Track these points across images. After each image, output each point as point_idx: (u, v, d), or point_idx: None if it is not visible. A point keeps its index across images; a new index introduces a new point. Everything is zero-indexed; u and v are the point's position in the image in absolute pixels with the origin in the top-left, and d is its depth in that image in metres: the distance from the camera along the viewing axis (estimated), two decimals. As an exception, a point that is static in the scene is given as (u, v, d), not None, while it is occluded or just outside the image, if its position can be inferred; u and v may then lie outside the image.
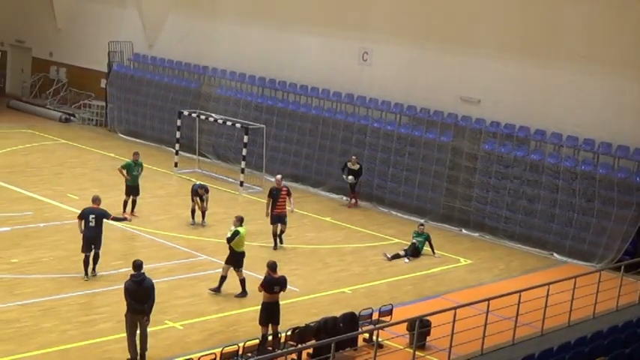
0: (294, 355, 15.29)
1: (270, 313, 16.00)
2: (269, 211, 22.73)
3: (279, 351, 14.98)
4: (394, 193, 28.19)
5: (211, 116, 30.42)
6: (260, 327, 15.97)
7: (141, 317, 15.08)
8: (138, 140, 34.44)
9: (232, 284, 18.89)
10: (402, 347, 16.33)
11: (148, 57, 36.35)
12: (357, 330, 16.18)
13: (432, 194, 27.46)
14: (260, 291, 16.17)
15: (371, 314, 17.05)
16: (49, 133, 34.55)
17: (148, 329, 15.32)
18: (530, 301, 16.66)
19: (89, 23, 38.74)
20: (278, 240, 22.65)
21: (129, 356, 15.14)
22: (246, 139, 28.69)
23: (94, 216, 18.95)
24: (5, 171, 27.91)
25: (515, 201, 25.79)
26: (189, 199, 24.16)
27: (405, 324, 16.25)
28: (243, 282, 18.85)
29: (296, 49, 31.98)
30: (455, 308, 15.37)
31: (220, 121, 30.18)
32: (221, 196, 27.17)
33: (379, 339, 15.54)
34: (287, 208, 22.91)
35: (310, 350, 15.25)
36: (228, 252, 18.85)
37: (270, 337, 15.92)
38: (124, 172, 23.99)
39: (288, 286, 16.56)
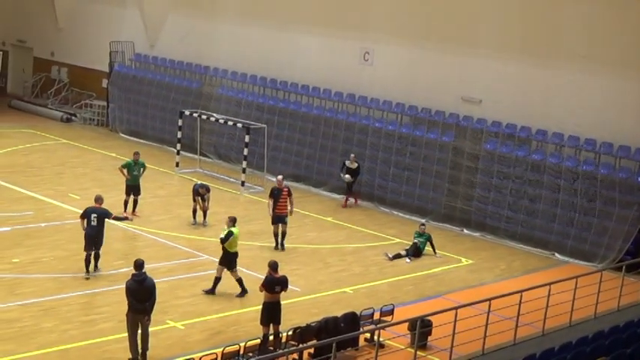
0: (295, 355, 15.29)
1: (271, 313, 16.00)
2: (271, 210, 22.69)
3: (281, 351, 14.98)
4: (395, 193, 28.19)
5: (213, 116, 30.44)
6: (261, 327, 15.97)
7: (142, 317, 15.08)
8: (139, 140, 34.46)
9: (229, 284, 18.88)
10: (403, 347, 16.32)
11: (150, 57, 36.37)
12: (359, 330, 16.17)
13: (433, 194, 27.46)
14: (261, 291, 16.17)
15: (372, 314, 17.04)
16: (51, 133, 34.57)
17: (149, 329, 15.32)
18: (532, 301, 16.65)
19: (90, 23, 38.77)
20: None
21: (130, 356, 15.14)
22: (247, 138, 28.71)
23: (95, 215, 19.06)
24: (6, 171, 27.93)
25: (517, 201, 25.78)
26: (190, 199, 24.16)
27: (407, 324, 16.24)
28: (240, 281, 18.83)
29: (297, 49, 31.99)
30: (456, 308, 15.36)
31: (222, 121, 30.19)
32: (222, 196, 27.18)
33: (380, 339, 15.52)
34: (287, 208, 22.89)
35: (311, 350, 15.23)
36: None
37: (271, 337, 15.91)
38: (125, 171, 24.02)
39: (289, 286, 16.55)
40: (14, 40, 42.11)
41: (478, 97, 27.57)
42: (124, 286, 15.29)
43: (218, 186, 28.03)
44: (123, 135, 35.50)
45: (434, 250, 23.51)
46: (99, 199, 19.50)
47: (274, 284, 16.08)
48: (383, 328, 15.75)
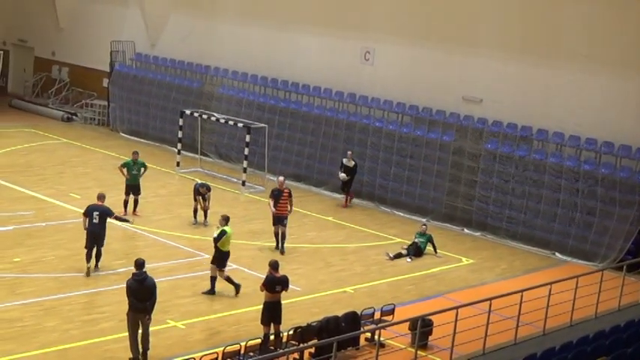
0: (295, 355, 15.29)
1: (271, 313, 16.00)
2: (273, 209, 22.58)
3: (281, 350, 14.99)
4: (396, 193, 28.18)
5: (213, 115, 30.43)
6: (262, 326, 15.98)
7: (143, 316, 15.09)
8: (140, 140, 34.45)
9: (227, 285, 18.89)
10: (403, 347, 16.33)
11: (150, 56, 36.37)
12: (359, 329, 16.19)
13: (434, 194, 27.46)
14: (262, 290, 16.17)
15: (373, 314, 17.06)
16: (51, 133, 34.57)
17: (150, 328, 15.33)
18: (532, 301, 16.65)
19: (91, 23, 38.76)
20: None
21: (131, 355, 15.15)
22: (248, 138, 28.72)
23: (97, 213, 19.16)
24: (7, 170, 27.94)
25: (518, 200, 25.77)
26: (191, 199, 24.16)
27: (407, 323, 16.25)
28: (229, 279, 18.81)
29: (298, 49, 31.99)
30: (457, 308, 15.35)
31: (222, 121, 30.18)
32: (223, 196, 27.18)
33: (381, 338, 15.54)
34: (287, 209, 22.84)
35: (312, 350, 15.23)
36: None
37: (272, 337, 15.92)
38: (124, 170, 24.05)
39: (290, 286, 16.55)
40: (15, 40, 42.09)
41: (479, 96, 27.57)
42: (125, 285, 15.31)
43: (219, 186, 28.03)
44: (124, 134, 35.50)
45: (435, 249, 23.51)
46: (101, 197, 19.60)
47: (275, 284, 16.09)
48: (384, 327, 15.77)
